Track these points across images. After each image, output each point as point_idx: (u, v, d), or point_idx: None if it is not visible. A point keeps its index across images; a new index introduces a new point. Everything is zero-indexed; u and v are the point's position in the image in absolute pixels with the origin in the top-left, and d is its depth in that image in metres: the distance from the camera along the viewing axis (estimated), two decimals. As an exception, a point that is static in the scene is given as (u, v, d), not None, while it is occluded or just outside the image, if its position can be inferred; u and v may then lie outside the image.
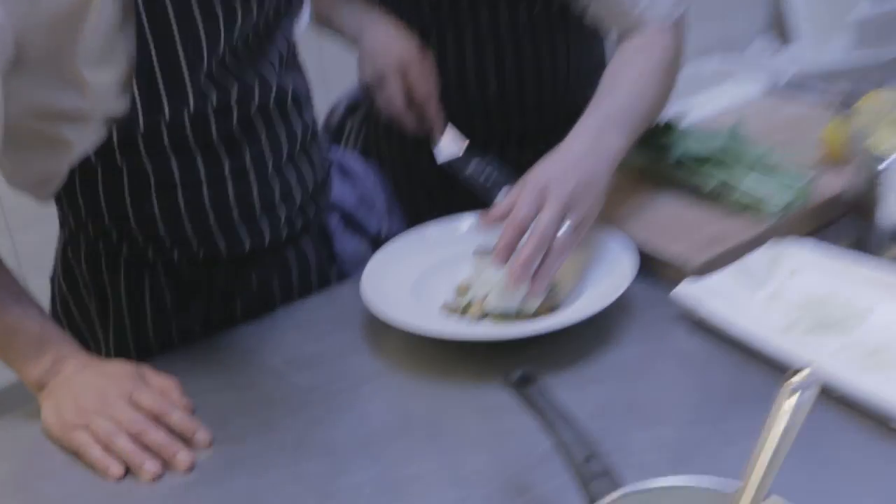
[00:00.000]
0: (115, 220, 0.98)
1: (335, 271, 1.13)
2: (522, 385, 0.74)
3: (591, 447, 0.67)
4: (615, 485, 0.64)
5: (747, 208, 1.07)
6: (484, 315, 0.97)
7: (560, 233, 0.92)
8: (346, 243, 1.14)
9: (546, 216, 0.91)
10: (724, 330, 0.91)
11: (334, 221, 1.14)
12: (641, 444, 0.80)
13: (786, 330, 0.92)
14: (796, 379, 0.59)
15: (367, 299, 0.97)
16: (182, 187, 0.96)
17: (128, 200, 0.96)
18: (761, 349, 0.89)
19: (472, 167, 1.11)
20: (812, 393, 0.58)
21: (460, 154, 1.15)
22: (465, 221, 1.11)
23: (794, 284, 0.97)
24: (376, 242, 1.13)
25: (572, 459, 0.66)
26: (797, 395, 0.58)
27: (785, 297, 0.96)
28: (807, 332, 0.91)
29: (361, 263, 1.06)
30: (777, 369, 0.86)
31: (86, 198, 0.97)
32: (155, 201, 0.96)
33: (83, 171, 0.96)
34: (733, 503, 0.59)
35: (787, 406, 0.58)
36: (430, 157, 1.21)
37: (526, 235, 0.91)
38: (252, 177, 0.98)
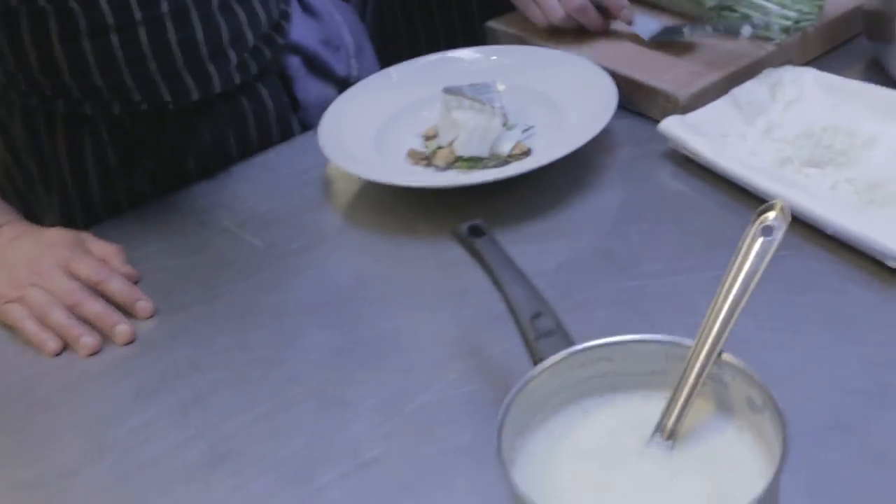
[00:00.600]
0: (47, 71, 0.93)
1: (298, 120, 1.09)
2: (470, 237, 0.68)
3: (540, 303, 0.62)
4: (565, 343, 0.59)
5: (749, 26, 0.99)
6: (453, 161, 0.93)
7: None
8: (310, 89, 1.10)
9: None
10: (711, 168, 0.87)
11: (295, 65, 1.08)
12: (608, 298, 0.76)
13: (779, 166, 0.87)
14: (767, 216, 0.56)
15: (326, 149, 0.93)
16: (117, 30, 0.91)
17: (57, 48, 0.91)
18: (749, 187, 0.84)
19: (689, 31, 1.01)
20: (781, 232, 0.55)
21: (664, 27, 1.04)
22: (434, 59, 1.05)
23: (792, 116, 0.92)
24: (344, 87, 1.08)
25: (518, 318, 0.61)
26: (762, 236, 0.55)
27: (780, 130, 0.91)
28: (802, 167, 0.86)
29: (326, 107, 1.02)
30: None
31: (14, 47, 0.92)
32: (88, 47, 0.91)
33: (5, 18, 0.90)
34: (688, 358, 0.54)
35: (753, 248, 0.55)
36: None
37: None
38: (194, 15, 0.93)
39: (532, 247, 0.81)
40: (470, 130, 0.92)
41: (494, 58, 1.04)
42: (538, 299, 0.63)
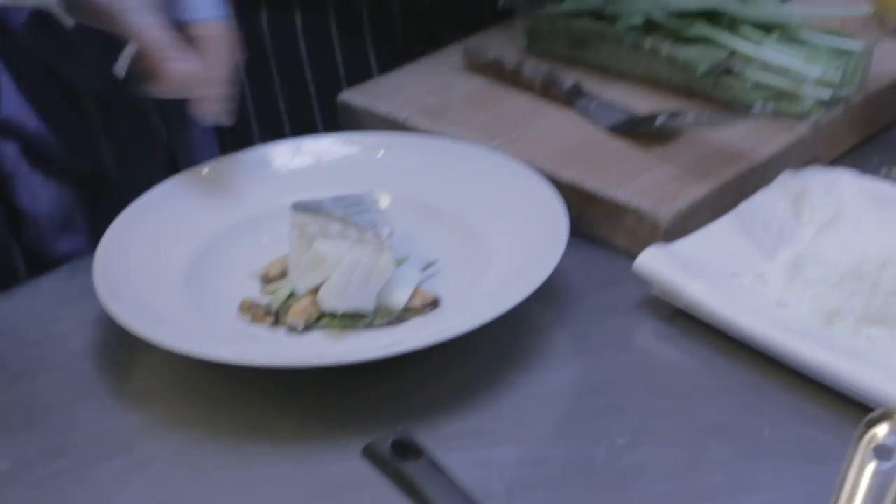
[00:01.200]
0: None
1: (22, 249, 1.11)
2: (397, 459, 0.70)
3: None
4: None
5: (762, 101, 1.04)
6: (317, 319, 0.91)
7: None
8: (39, 193, 1.10)
9: None
10: (720, 328, 0.87)
11: (10, 157, 1.09)
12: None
13: (824, 323, 0.87)
14: (879, 431, 0.58)
15: (109, 301, 0.89)
16: None
17: None
18: (785, 359, 0.84)
19: (665, 120, 1.02)
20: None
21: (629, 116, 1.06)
22: (270, 153, 1.06)
23: (830, 244, 0.94)
24: (97, 189, 1.09)
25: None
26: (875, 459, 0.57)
27: (817, 267, 0.92)
28: (859, 325, 0.87)
29: (68, 225, 1.09)
30: (824, 398, 0.83)
31: None
32: None
33: None
34: None
35: (863, 480, 0.58)
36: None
37: None
38: None
39: (463, 457, 0.79)
40: (345, 272, 0.89)
41: (381, 153, 1.03)
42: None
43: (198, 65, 0.94)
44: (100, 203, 0.99)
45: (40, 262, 1.08)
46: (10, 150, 1.10)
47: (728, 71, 1.05)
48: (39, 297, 0.99)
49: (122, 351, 0.91)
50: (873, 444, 0.57)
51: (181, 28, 0.96)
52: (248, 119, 1.31)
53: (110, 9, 0.94)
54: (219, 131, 1.29)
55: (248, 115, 1.30)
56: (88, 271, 0.91)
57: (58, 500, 0.79)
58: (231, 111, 0.96)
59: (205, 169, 1.02)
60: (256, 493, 0.79)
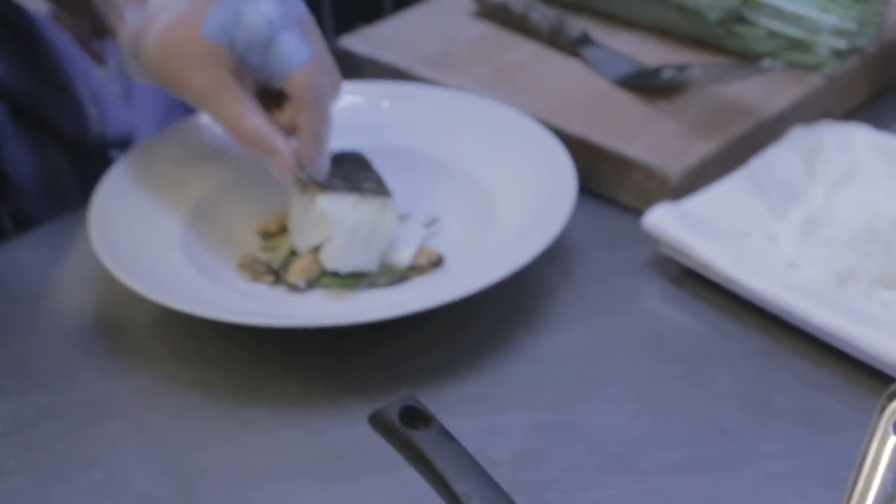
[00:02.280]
0: None
1: (8, 209, 1.08)
2: (405, 427, 0.67)
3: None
4: None
5: (776, 53, 1.02)
6: (318, 278, 0.90)
7: None
8: (23, 156, 1.08)
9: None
10: (731, 289, 0.86)
11: None
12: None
13: (837, 285, 0.86)
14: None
15: (105, 259, 0.87)
16: None
17: None
18: (798, 322, 0.83)
19: (673, 74, 1.01)
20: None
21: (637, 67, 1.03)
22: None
23: (843, 202, 0.92)
24: (78, 151, 1.08)
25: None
26: None
27: (829, 226, 0.90)
28: (873, 288, 0.85)
29: (57, 192, 1.06)
30: (837, 364, 0.82)
31: None
32: None
33: None
34: None
35: (884, 454, 0.56)
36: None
37: None
38: None
39: (469, 423, 0.78)
40: (349, 231, 0.88)
41: (385, 103, 1.01)
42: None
43: (290, 156, 0.87)
44: (88, 168, 0.97)
45: (27, 228, 1.06)
46: None
47: (740, 19, 1.03)
48: (29, 253, 0.97)
49: (117, 309, 0.89)
50: (895, 418, 0.56)
51: (269, 84, 0.88)
52: None
53: (193, 93, 0.87)
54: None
55: None
56: (79, 227, 0.90)
57: (53, 462, 0.78)
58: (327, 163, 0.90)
59: (202, 117, 1.00)
60: (257, 457, 0.78)
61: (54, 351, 0.86)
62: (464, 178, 0.95)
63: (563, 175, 0.91)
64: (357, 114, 0.99)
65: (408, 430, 0.66)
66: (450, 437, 0.67)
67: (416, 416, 0.67)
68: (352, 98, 1.00)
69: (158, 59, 0.87)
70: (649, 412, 0.80)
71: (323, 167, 0.88)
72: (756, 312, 0.85)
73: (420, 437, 0.66)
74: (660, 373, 0.83)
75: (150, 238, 0.90)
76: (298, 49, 0.85)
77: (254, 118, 0.86)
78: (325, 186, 0.88)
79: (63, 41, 1.16)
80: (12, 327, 0.88)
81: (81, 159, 1.12)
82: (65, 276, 0.93)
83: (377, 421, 0.67)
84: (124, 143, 1.12)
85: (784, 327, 0.83)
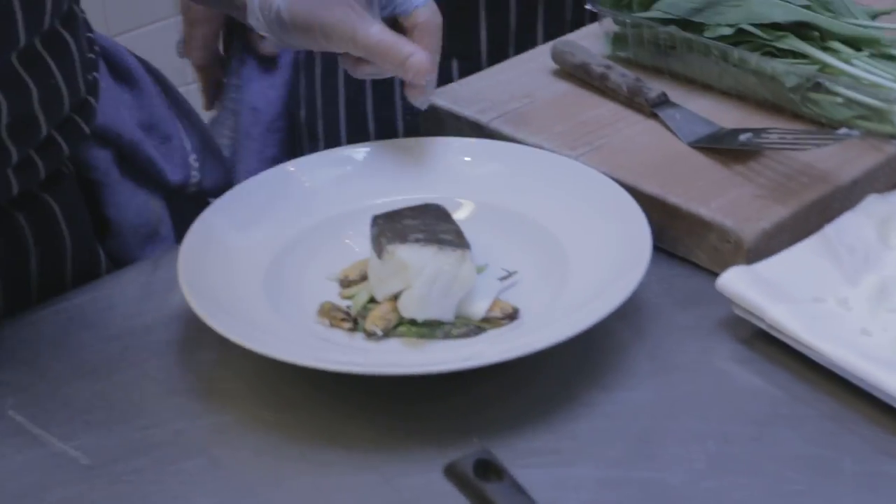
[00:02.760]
0: None
1: (107, 254, 1.10)
2: (478, 479, 0.68)
3: None
4: None
5: (852, 121, 1.02)
6: (395, 326, 0.91)
7: None
8: (126, 201, 1.12)
9: None
10: (802, 352, 0.86)
11: (103, 163, 1.10)
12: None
13: None
14: None
15: (192, 300, 0.89)
16: None
17: None
18: (870, 389, 0.82)
19: (750, 138, 1.02)
20: None
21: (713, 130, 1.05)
22: (351, 154, 1.06)
23: None
24: (178, 198, 1.12)
25: None
26: None
27: None
28: None
29: (153, 237, 1.10)
30: None
31: None
32: None
33: None
34: None
35: None
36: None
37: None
38: None
39: (538, 476, 0.79)
40: (428, 281, 0.88)
41: (465, 159, 1.03)
42: None
43: (425, 55, 0.98)
44: (186, 214, 0.99)
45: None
46: (103, 157, 1.11)
47: (817, 86, 1.03)
48: (122, 290, 0.99)
49: (202, 348, 0.91)
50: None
51: (393, 22, 1.00)
52: (336, 121, 1.31)
53: (324, 25, 0.96)
54: (309, 130, 1.29)
55: (338, 117, 1.30)
56: (171, 266, 0.92)
57: (135, 497, 0.80)
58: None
59: (289, 167, 1.02)
60: (331, 500, 0.79)
61: (140, 388, 0.88)
62: (540, 233, 0.96)
63: (638, 233, 0.91)
64: (436, 168, 1.02)
65: (481, 482, 0.67)
66: (522, 490, 0.68)
67: (489, 469, 0.68)
68: (432, 152, 1.03)
69: (289, 9, 0.96)
70: (718, 472, 0.79)
71: (432, 90, 1.01)
72: (827, 376, 0.84)
73: (493, 489, 0.66)
74: (729, 433, 0.82)
75: (234, 281, 0.92)
76: None
77: (387, 33, 0.97)
78: (405, 237, 0.90)
79: (172, 91, 1.19)
80: (101, 363, 0.90)
81: (180, 206, 1.15)
82: (153, 315, 0.95)
83: (452, 472, 0.68)
84: (221, 193, 1.14)
85: (855, 392, 0.83)
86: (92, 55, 1.05)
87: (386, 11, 0.99)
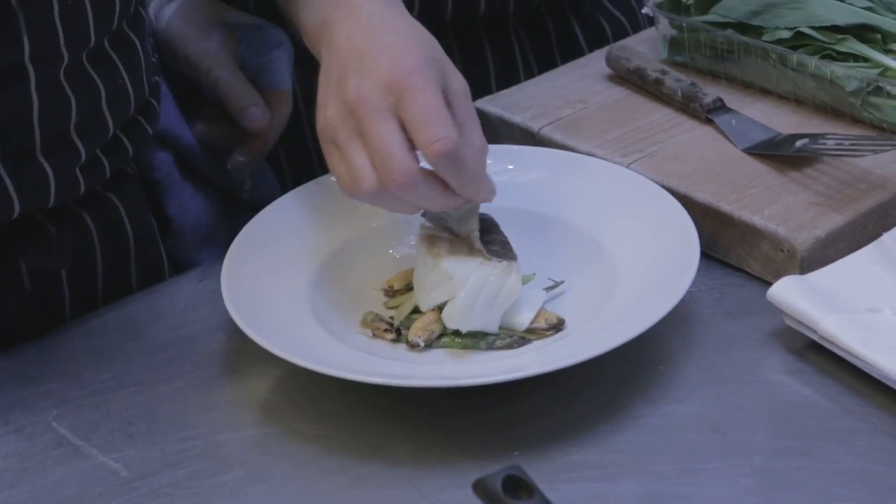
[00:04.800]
0: None
1: (168, 254, 1.12)
2: (508, 497, 0.68)
3: None
4: None
5: None
6: (439, 337, 0.91)
7: None
8: (186, 202, 1.13)
9: None
10: (856, 364, 0.84)
11: (165, 165, 1.12)
12: None
13: None
14: None
15: (234, 313, 0.89)
16: None
17: None
18: None
19: (806, 144, 1.01)
20: None
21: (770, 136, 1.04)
22: None
23: None
24: (234, 203, 1.12)
25: None
26: None
27: None
28: None
29: (211, 239, 1.10)
30: None
31: None
32: None
33: None
34: None
35: None
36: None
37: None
38: (30, 82, 0.92)
39: (580, 490, 0.78)
40: (472, 292, 0.88)
41: (511, 167, 1.01)
42: None
43: (266, 115, 1.08)
44: (241, 221, 1.01)
45: (182, 272, 1.09)
46: (165, 158, 1.13)
47: (878, 90, 1.01)
48: (169, 300, 0.99)
49: (245, 359, 0.91)
50: None
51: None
52: None
53: (188, 53, 1.07)
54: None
55: None
56: (218, 276, 0.92)
57: (173, 510, 0.80)
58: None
59: (333, 177, 1.01)
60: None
61: (182, 400, 0.88)
62: (587, 241, 0.95)
63: (687, 242, 0.90)
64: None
65: (510, 499, 0.66)
66: (549, 507, 0.67)
67: (519, 486, 0.67)
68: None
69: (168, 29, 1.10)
70: (764, 487, 0.78)
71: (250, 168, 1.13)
72: (880, 389, 0.83)
73: (518, 507, 0.66)
74: (778, 447, 0.81)
75: (277, 293, 0.92)
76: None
77: (240, 79, 1.09)
78: (451, 247, 0.89)
79: None
80: (144, 375, 0.91)
81: (236, 212, 1.15)
82: (198, 326, 0.95)
83: (480, 489, 0.68)
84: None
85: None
86: (155, 59, 1.07)
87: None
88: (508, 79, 1.24)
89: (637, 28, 1.31)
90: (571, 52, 1.27)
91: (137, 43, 1.01)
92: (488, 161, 0.97)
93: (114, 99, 0.98)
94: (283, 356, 0.84)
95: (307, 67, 1.27)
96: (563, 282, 0.93)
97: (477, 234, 0.89)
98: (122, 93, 0.99)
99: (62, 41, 0.92)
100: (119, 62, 0.98)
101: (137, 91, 1.01)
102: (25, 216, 0.96)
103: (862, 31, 1.05)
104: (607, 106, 1.08)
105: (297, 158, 1.23)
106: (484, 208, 0.93)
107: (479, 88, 1.22)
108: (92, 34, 0.94)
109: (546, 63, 1.26)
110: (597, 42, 1.27)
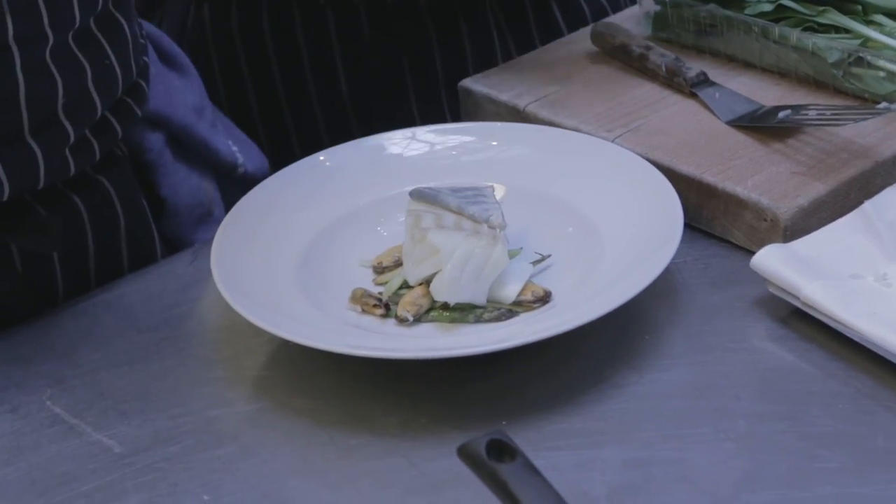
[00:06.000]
0: None
1: (161, 235, 1.12)
2: (492, 460, 0.68)
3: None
4: None
5: (894, 95, 1.00)
6: (427, 311, 0.91)
7: None
8: (179, 183, 1.13)
9: None
10: (838, 329, 0.85)
11: (156, 145, 1.12)
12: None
13: None
14: None
15: (224, 290, 0.90)
16: None
17: None
18: None
19: (788, 115, 1.02)
20: None
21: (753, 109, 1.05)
22: (386, 141, 1.06)
23: None
24: (229, 181, 1.13)
25: None
26: None
27: None
28: None
29: (206, 218, 1.09)
30: None
31: None
32: None
33: None
34: None
35: None
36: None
37: None
38: (14, 62, 0.92)
39: (566, 457, 0.79)
40: (458, 264, 0.88)
41: (496, 143, 1.02)
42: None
43: None
44: (234, 198, 1.02)
45: (177, 252, 1.09)
46: (156, 139, 1.13)
47: (859, 61, 1.01)
48: (161, 280, 1.00)
49: (236, 337, 0.91)
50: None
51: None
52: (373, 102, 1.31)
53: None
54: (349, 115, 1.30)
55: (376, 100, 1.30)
56: (209, 256, 0.92)
57: (166, 485, 0.80)
58: None
59: (321, 156, 1.02)
60: (356, 486, 0.79)
61: (174, 377, 0.89)
62: (573, 215, 0.95)
63: (670, 212, 0.90)
64: (469, 152, 1.01)
65: (494, 463, 0.67)
66: (535, 471, 0.67)
67: (502, 450, 0.68)
68: (465, 137, 1.03)
69: None
70: (748, 451, 0.79)
71: None
72: (862, 354, 0.83)
73: (505, 470, 0.67)
74: (761, 412, 0.81)
75: (268, 271, 0.93)
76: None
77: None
78: (438, 220, 0.90)
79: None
80: (136, 354, 0.91)
81: (228, 190, 1.16)
82: (189, 305, 0.96)
83: (465, 454, 0.68)
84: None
85: (891, 369, 0.82)
86: (143, 40, 1.07)
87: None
88: (485, 61, 1.24)
89: (617, 9, 1.31)
90: (551, 35, 1.27)
91: (124, 23, 1.01)
92: (472, 138, 0.98)
93: (101, 79, 0.98)
94: (274, 332, 0.84)
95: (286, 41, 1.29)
96: (549, 255, 0.93)
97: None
98: (109, 73, 0.99)
99: (46, 21, 0.92)
100: (105, 42, 0.98)
101: (125, 71, 1.01)
102: (15, 199, 0.96)
103: (843, 3, 1.05)
104: (592, 82, 1.09)
105: (276, 136, 1.24)
106: (470, 184, 0.94)
107: (456, 71, 1.23)
108: (77, 14, 0.94)
109: (525, 46, 1.26)
110: (576, 24, 1.28)
